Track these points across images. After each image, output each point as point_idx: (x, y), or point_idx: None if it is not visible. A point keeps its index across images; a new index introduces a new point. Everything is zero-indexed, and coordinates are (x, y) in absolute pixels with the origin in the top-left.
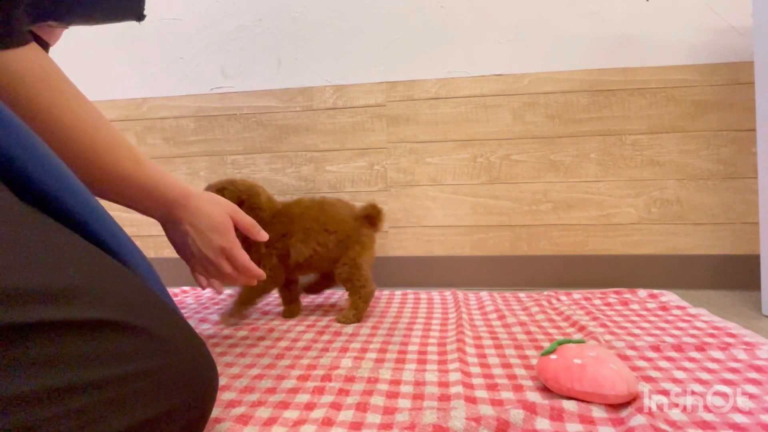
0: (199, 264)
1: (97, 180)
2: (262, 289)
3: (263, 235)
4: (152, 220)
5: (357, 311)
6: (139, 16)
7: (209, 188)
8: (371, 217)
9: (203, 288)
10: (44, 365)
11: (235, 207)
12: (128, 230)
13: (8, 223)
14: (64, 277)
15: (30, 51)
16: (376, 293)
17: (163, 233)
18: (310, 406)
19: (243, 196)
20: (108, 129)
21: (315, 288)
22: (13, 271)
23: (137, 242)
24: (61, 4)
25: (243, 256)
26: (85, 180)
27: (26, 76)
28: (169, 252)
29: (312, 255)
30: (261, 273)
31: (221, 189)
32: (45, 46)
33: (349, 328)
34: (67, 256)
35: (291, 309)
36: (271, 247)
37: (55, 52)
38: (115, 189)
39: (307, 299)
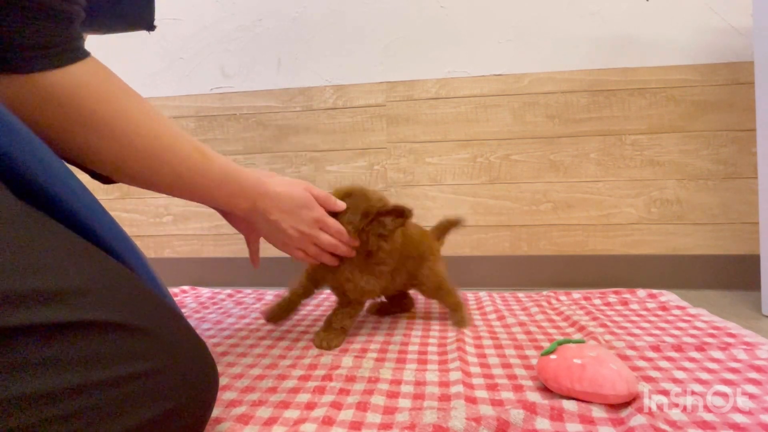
0: (298, 247)
1: (170, 180)
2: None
3: (340, 205)
4: (152, 219)
5: (462, 316)
6: (150, 27)
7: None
8: (446, 229)
9: (303, 259)
10: (45, 367)
11: (306, 183)
12: (128, 230)
13: (7, 224)
14: (64, 278)
15: (88, 65)
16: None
17: (164, 232)
18: (310, 406)
19: (374, 208)
20: (171, 130)
21: (386, 310)
22: (13, 272)
23: (137, 242)
24: None
25: (335, 222)
26: (158, 183)
27: (86, 89)
28: (169, 252)
29: (396, 278)
30: (352, 240)
31: (349, 194)
32: None
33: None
34: (68, 256)
35: (336, 336)
36: (383, 264)
37: None
38: (191, 187)
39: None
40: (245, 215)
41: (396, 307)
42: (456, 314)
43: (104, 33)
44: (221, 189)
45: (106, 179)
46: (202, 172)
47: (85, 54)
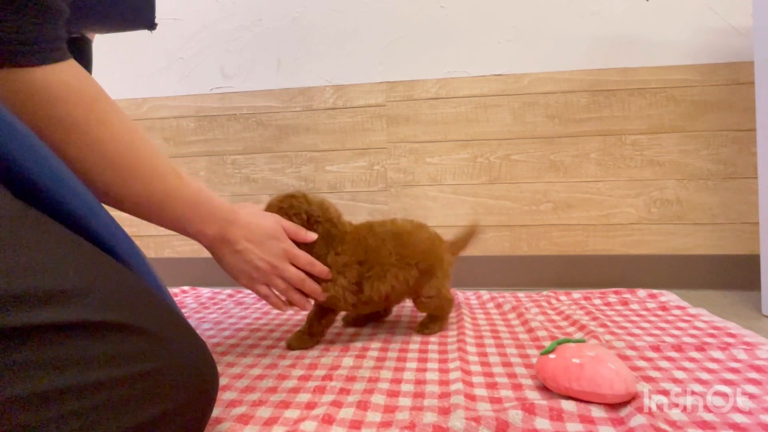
0: (264, 281)
1: (141, 198)
2: (329, 313)
3: (311, 236)
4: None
5: (442, 323)
6: (151, 26)
7: (272, 201)
8: (466, 241)
9: (282, 308)
10: (45, 367)
11: (278, 216)
12: (128, 230)
13: (7, 224)
14: (64, 278)
15: (67, 66)
16: None
17: (164, 232)
18: (310, 406)
19: (314, 211)
20: (148, 145)
21: (361, 321)
22: (14, 273)
23: (137, 242)
24: (73, 13)
25: (305, 254)
26: (128, 198)
27: (63, 91)
28: (169, 252)
29: (389, 293)
30: (326, 269)
31: (288, 200)
32: (88, 42)
33: (351, 329)
34: (68, 257)
35: (303, 340)
36: (343, 274)
37: None
38: (160, 207)
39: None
40: (210, 244)
41: (371, 315)
42: (432, 323)
43: (105, 32)
44: (192, 213)
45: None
46: (175, 194)
47: (67, 56)
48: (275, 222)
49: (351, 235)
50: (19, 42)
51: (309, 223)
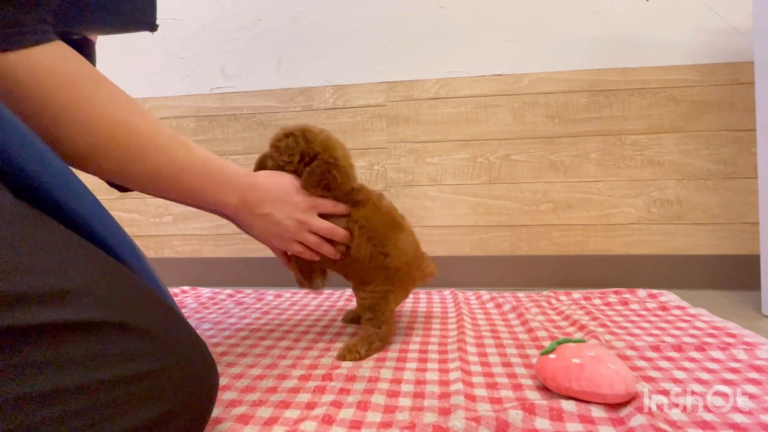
0: (295, 239)
1: (149, 174)
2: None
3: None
4: (152, 219)
5: (369, 348)
6: (152, 27)
7: (276, 135)
8: (427, 275)
9: (302, 253)
10: (45, 367)
11: (290, 174)
12: (128, 230)
13: (8, 224)
14: (64, 278)
15: (51, 48)
16: None
17: (164, 232)
18: (311, 406)
19: (317, 148)
20: (145, 119)
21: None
22: (14, 273)
23: (137, 242)
24: (72, 14)
25: (325, 201)
26: (137, 176)
27: (45, 73)
28: (169, 252)
29: (365, 259)
30: (346, 208)
31: (288, 134)
32: (90, 43)
33: (351, 328)
34: (68, 256)
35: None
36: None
37: None
38: (170, 181)
39: (309, 296)
40: (233, 213)
41: None
42: (356, 343)
43: (106, 33)
44: (208, 183)
45: (121, 187)
46: (185, 165)
47: (51, 38)
48: (292, 179)
49: (356, 189)
50: None
51: (307, 163)
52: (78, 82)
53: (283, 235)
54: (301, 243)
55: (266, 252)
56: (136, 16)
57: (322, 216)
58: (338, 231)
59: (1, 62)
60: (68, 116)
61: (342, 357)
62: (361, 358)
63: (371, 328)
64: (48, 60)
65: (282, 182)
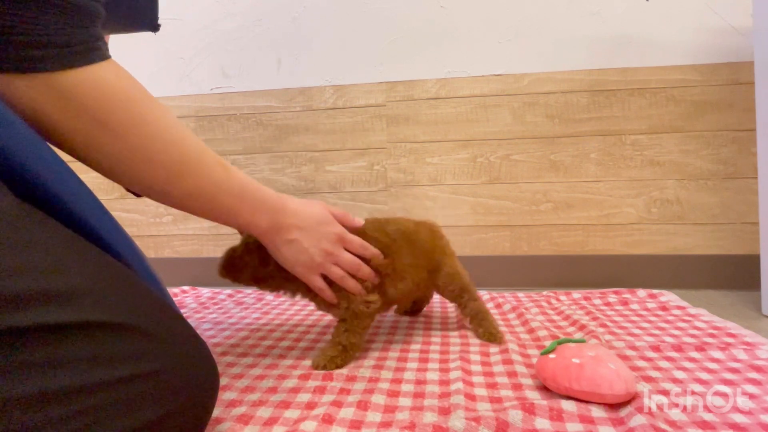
0: (320, 270)
1: (191, 193)
2: (366, 316)
3: (358, 221)
4: (152, 219)
5: (495, 330)
6: (154, 27)
7: None
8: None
9: (330, 303)
10: (45, 368)
11: (323, 203)
12: (128, 230)
13: (8, 224)
14: (65, 278)
15: (111, 66)
16: None
17: (164, 232)
18: (311, 406)
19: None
20: (193, 140)
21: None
22: (14, 273)
23: (137, 242)
24: None
25: (356, 237)
26: (177, 194)
27: (109, 91)
28: (169, 252)
29: (412, 290)
30: (378, 251)
31: None
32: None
33: None
34: (68, 257)
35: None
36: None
37: None
38: (208, 201)
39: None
40: (263, 235)
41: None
42: (484, 323)
43: (108, 33)
44: (242, 205)
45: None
46: (224, 187)
47: (107, 55)
48: (323, 208)
49: (367, 233)
50: (56, 45)
51: None
52: (135, 100)
53: (309, 264)
54: (322, 277)
55: None
56: (138, 17)
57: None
58: (364, 268)
59: (63, 80)
60: (121, 134)
61: (496, 340)
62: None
63: (477, 304)
64: (108, 77)
65: (313, 211)
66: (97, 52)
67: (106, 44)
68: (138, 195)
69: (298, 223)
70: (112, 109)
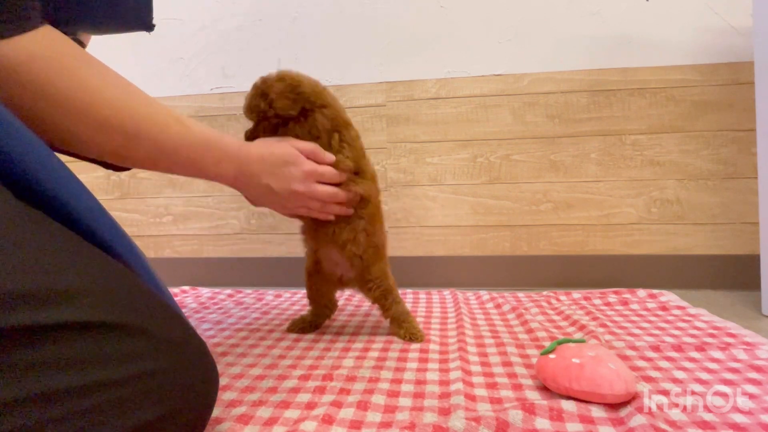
0: (299, 206)
1: (150, 153)
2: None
3: (329, 156)
4: (152, 219)
5: (416, 330)
6: (148, 27)
7: (262, 79)
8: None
9: (311, 214)
10: (45, 368)
11: (291, 139)
12: (128, 230)
13: (7, 225)
14: (64, 278)
15: (41, 34)
16: None
17: (164, 232)
18: (311, 406)
19: (311, 97)
20: (144, 99)
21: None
22: (13, 273)
23: (137, 242)
24: (68, 14)
25: (328, 169)
26: (138, 157)
27: (40, 61)
28: (169, 252)
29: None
30: (349, 165)
31: (270, 82)
32: (81, 45)
33: (350, 328)
34: (68, 257)
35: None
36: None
37: None
38: (170, 158)
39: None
40: (233, 183)
41: (320, 318)
42: (405, 324)
43: (103, 33)
44: (205, 156)
45: (117, 167)
46: (184, 143)
47: (38, 23)
48: (289, 146)
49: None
50: None
51: (304, 110)
52: (71, 66)
53: (284, 204)
54: (305, 207)
55: (266, 252)
56: (132, 17)
57: None
58: (340, 194)
59: None
60: (65, 103)
61: (418, 339)
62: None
63: (400, 307)
64: (37, 47)
65: (278, 152)
66: (28, 21)
67: (38, 10)
68: (116, 168)
69: (265, 169)
70: (50, 79)
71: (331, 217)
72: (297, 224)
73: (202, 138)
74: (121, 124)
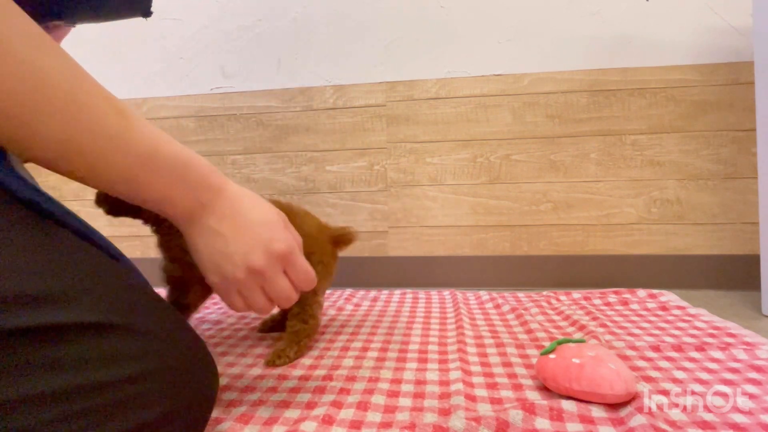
0: (238, 285)
1: (61, 146)
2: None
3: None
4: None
5: (298, 348)
6: (146, 12)
7: None
8: (341, 242)
9: (240, 310)
10: (43, 369)
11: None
12: (128, 230)
13: (4, 226)
14: (61, 279)
15: None
16: (374, 293)
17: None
18: (311, 405)
19: None
20: (68, 63)
21: (279, 326)
22: (11, 274)
23: (136, 242)
24: (69, 1)
25: (306, 265)
26: (40, 145)
27: None
28: None
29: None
30: (314, 278)
31: None
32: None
33: (350, 328)
34: (64, 258)
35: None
36: None
37: None
38: (98, 162)
39: None
40: (178, 217)
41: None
42: (284, 347)
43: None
44: (152, 171)
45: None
46: (120, 143)
47: None
48: (279, 212)
49: (313, 236)
50: None
51: None
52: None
53: (225, 275)
54: (244, 297)
55: None
56: (130, 2)
57: None
58: (312, 275)
59: None
60: None
61: (272, 363)
62: (291, 361)
63: (298, 324)
64: None
65: (261, 207)
66: None
67: None
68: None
69: (232, 213)
70: None
71: (260, 311)
72: None
73: (149, 144)
74: (26, 89)
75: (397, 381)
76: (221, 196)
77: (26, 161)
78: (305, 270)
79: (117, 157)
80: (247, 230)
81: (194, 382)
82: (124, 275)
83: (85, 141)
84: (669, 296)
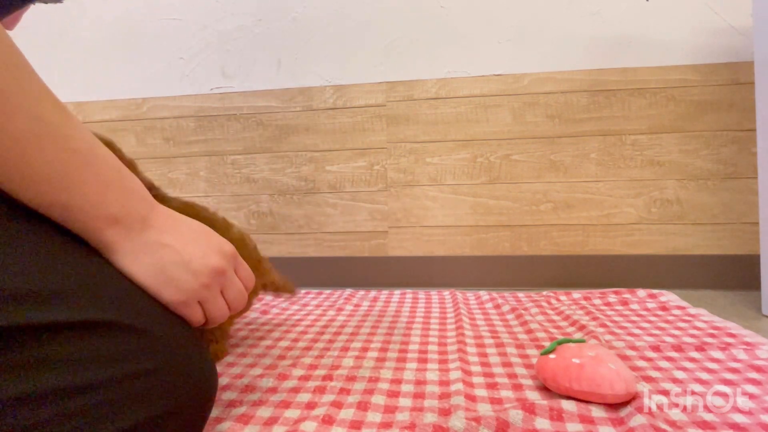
0: (199, 294)
1: (19, 139)
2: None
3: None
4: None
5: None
6: None
7: None
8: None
9: (197, 323)
10: (39, 367)
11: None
12: None
13: (2, 224)
14: (58, 277)
15: None
16: (374, 293)
17: None
18: (311, 406)
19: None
20: (26, 68)
21: None
22: (9, 272)
23: None
24: None
25: (239, 284)
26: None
27: None
28: None
29: None
30: (246, 298)
31: None
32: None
33: (349, 328)
34: (60, 256)
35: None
36: None
37: (55, 52)
38: (22, 154)
39: (308, 296)
40: (113, 226)
41: None
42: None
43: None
44: (85, 170)
45: None
46: (50, 133)
47: None
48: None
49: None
50: None
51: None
52: None
53: (184, 287)
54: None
55: (266, 252)
56: None
57: None
58: (243, 302)
59: None
60: None
61: None
62: None
63: (212, 345)
64: None
65: (195, 220)
66: None
67: None
68: None
69: (173, 225)
70: None
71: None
72: (297, 224)
73: (91, 143)
74: None
75: (397, 381)
76: (156, 210)
77: None
78: (248, 268)
79: (50, 148)
80: (194, 238)
81: (193, 381)
82: (119, 273)
83: (33, 143)
84: (669, 296)
